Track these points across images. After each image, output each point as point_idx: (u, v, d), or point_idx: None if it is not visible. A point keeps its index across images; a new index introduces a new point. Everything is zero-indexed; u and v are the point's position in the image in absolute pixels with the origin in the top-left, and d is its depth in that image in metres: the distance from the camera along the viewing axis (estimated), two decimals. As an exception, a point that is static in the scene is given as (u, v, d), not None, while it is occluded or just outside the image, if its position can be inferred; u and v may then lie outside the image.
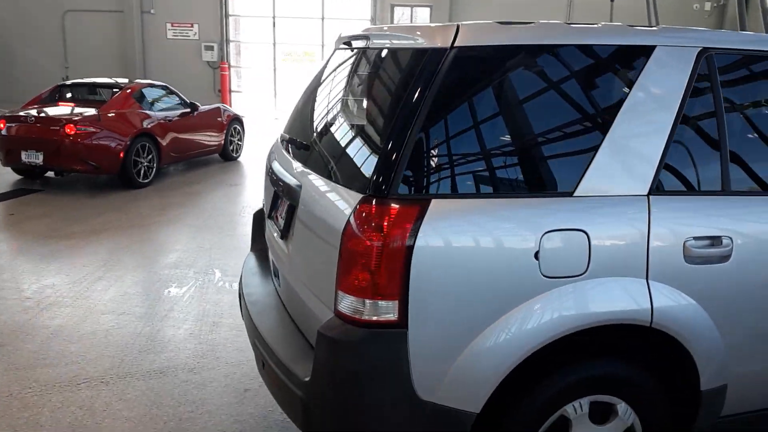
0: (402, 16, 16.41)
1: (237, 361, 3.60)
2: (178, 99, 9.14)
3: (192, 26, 16.98)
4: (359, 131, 2.18)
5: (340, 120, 2.37)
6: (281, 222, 2.55)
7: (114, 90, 8.49)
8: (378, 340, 1.87)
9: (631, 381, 2.12)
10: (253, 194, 8.09)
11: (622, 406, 2.13)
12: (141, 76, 15.82)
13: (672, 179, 2.11)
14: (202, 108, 9.46)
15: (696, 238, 2.09)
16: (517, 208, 1.94)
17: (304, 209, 2.24)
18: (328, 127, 2.43)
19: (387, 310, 1.86)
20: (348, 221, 1.89)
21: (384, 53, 2.29)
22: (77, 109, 7.97)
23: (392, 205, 1.85)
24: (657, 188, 2.08)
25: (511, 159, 1.97)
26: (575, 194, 1.99)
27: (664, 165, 2.08)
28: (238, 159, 10.48)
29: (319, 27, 16.88)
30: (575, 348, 2.06)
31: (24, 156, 7.62)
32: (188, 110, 9.05)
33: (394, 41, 2.22)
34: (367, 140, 2.06)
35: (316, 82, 2.87)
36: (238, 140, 10.41)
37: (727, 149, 2.18)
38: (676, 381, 2.24)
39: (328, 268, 1.99)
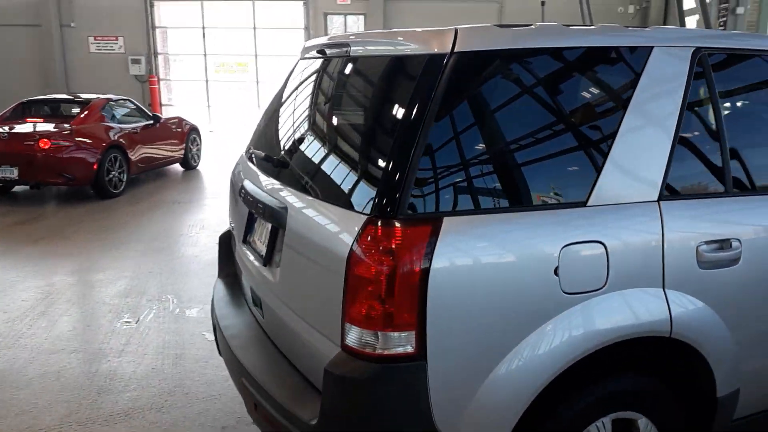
0: (336, 24, 16.27)
1: (208, 396, 3.35)
2: (140, 111, 9.56)
3: (116, 39, 16.30)
4: (353, 146, 2.01)
5: (327, 134, 2.20)
6: (261, 247, 2.35)
7: (77, 105, 8.85)
8: (394, 376, 1.71)
9: (650, 394, 2.04)
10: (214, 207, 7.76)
11: (642, 421, 2.05)
12: (64, 92, 15.03)
13: (678, 183, 2.06)
14: (164, 119, 9.95)
15: (707, 243, 2.04)
16: (534, 221, 1.82)
17: (294, 233, 2.05)
18: (312, 142, 2.25)
19: (403, 342, 1.70)
20: (353, 246, 1.73)
21: (369, 61, 2.14)
22: (47, 125, 8.26)
23: (402, 225, 1.69)
24: (666, 193, 2.01)
25: (523, 169, 1.85)
26: (588, 204, 1.90)
27: (670, 169, 2.02)
28: (197, 168, 10.89)
29: (251, 36, 16.53)
30: (594, 365, 1.96)
31: None
32: (151, 122, 9.45)
33: (381, 47, 2.07)
34: (365, 156, 1.90)
35: (285, 94, 2.69)
36: (197, 150, 10.80)
37: (727, 149, 2.14)
38: (691, 389, 2.18)
39: (329, 297, 1.81)
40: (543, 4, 11.32)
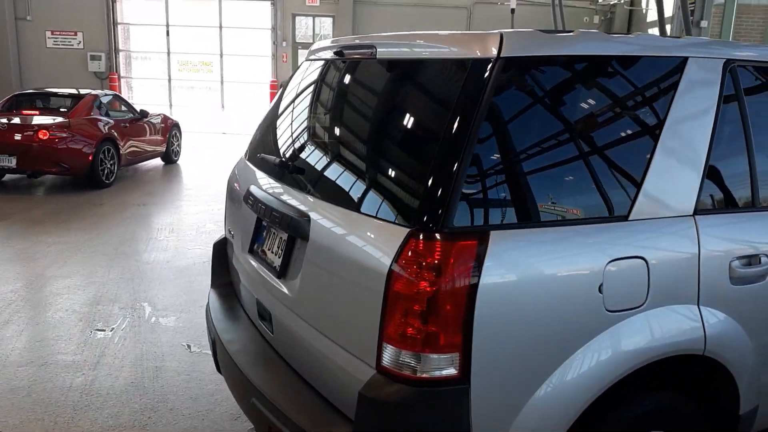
0: (303, 26, 16.09)
1: (194, 412, 3.16)
2: (127, 106, 10.05)
3: (76, 34, 15.74)
4: (390, 154, 1.88)
5: (358, 141, 2.04)
6: (273, 258, 2.20)
7: (69, 99, 9.30)
8: (437, 401, 1.59)
9: (679, 412, 1.98)
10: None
11: (670, 441, 1.99)
12: (18, 88, 14.40)
13: (711, 197, 2.01)
14: (150, 114, 10.41)
15: (738, 258, 1.99)
16: (580, 236, 1.74)
17: (319, 246, 1.91)
18: (340, 149, 2.09)
19: (447, 364, 1.58)
20: (393, 261, 1.60)
21: (400, 64, 2.00)
22: (43, 117, 8.72)
23: (447, 239, 1.58)
24: (700, 207, 1.96)
25: (569, 181, 1.76)
26: (630, 218, 1.82)
27: (704, 182, 1.97)
28: (177, 162, 11.35)
29: (217, 36, 16.18)
30: (628, 384, 1.88)
31: None
32: (139, 117, 9.96)
33: (413, 50, 1.95)
34: (405, 165, 1.77)
35: (295, 97, 2.54)
36: (178, 145, 11.31)
37: (755, 164, 2.11)
38: (714, 407, 2.13)
39: (363, 315, 1.69)
40: (513, 11, 11.43)
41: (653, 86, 1.94)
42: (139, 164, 10.59)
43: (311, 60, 2.57)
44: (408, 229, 1.61)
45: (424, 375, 1.59)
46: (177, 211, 7.76)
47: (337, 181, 1.98)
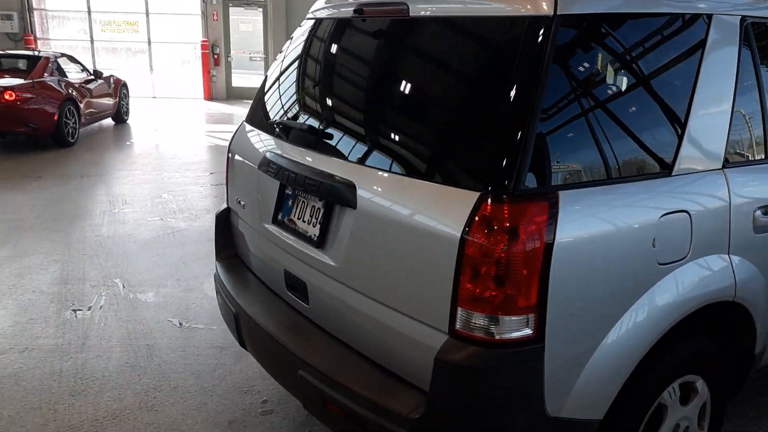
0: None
1: (200, 389, 3.09)
2: (81, 67, 10.32)
3: (-18, -8, 14.47)
4: (447, 117, 1.82)
5: (403, 105, 1.96)
6: (307, 227, 2.13)
7: (25, 60, 9.51)
8: (516, 361, 1.62)
9: (709, 356, 2.10)
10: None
11: (700, 383, 2.11)
12: None
13: (735, 151, 2.10)
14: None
15: (760, 207, 2.10)
16: (638, 192, 1.79)
17: (371, 213, 1.86)
18: (383, 113, 2.02)
19: (524, 325, 1.60)
20: (467, 226, 1.59)
21: (438, 22, 1.93)
22: (4, 79, 8.84)
23: (521, 201, 1.58)
24: (727, 161, 2.04)
25: (627, 139, 1.79)
26: (673, 173, 1.88)
27: (729, 137, 2.05)
28: (127, 122, 11.73)
29: (142, -7, 15.28)
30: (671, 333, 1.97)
31: None
32: (93, 77, 10.33)
33: (451, 6, 1.89)
34: (468, 128, 1.74)
35: (309, 58, 2.44)
36: (126, 104, 11.67)
37: None
38: (734, 348, 2.26)
39: (432, 282, 1.68)
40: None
41: (689, 43, 1.97)
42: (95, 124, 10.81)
43: (317, 18, 2.46)
44: (478, 193, 1.60)
45: (503, 337, 1.60)
46: (126, 179, 7.42)
47: (386, 147, 1.93)
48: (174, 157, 8.86)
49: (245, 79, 15.70)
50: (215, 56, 15.39)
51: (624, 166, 1.79)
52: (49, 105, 8.80)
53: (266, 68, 15.62)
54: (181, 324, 3.76)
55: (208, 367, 3.29)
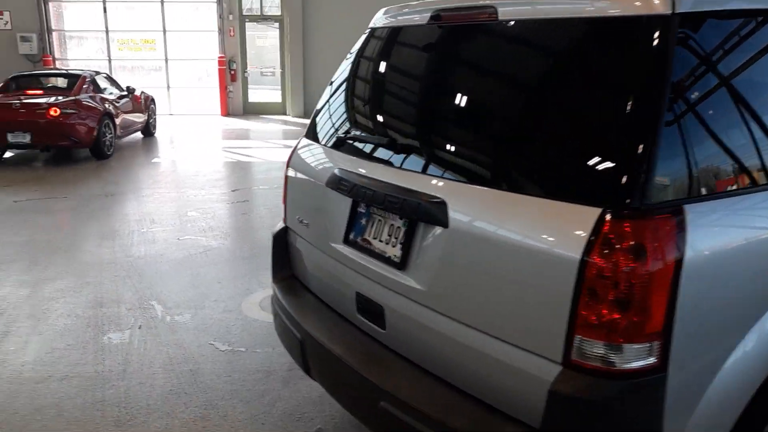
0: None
1: (250, 417, 2.92)
2: (115, 84, 10.96)
3: (2, 14, 14.57)
4: (554, 129, 1.65)
5: (501, 116, 1.81)
6: (386, 248, 1.97)
7: (65, 78, 10.14)
8: (638, 393, 1.45)
9: None
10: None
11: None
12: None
13: None
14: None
15: None
16: (760, 203, 1.62)
17: (466, 233, 1.70)
18: (476, 126, 1.85)
19: (648, 353, 1.44)
20: (587, 246, 1.43)
21: (532, 26, 1.78)
22: (48, 96, 9.49)
23: (647, 218, 1.42)
24: None
25: (752, 146, 1.63)
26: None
27: None
28: (155, 135, 12.44)
29: (159, 11, 15.33)
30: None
31: (10, 137, 9.02)
32: (126, 93, 10.92)
33: (545, 8, 1.74)
34: (582, 140, 1.57)
35: (378, 71, 2.29)
36: (155, 119, 12.45)
37: None
38: None
39: (543, 307, 1.52)
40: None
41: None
42: (128, 137, 11.44)
43: (384, 27, 2.32)
44: (599, 209, 1.44)
45: (624, 366, 1.43)
46: (151, 197, 7.31)
47: (481, 161, 1.77)
48: (197, 174, 8.76)
49: (262, 93, 15.68)
50: (232, 72, 15.38)
51: (753, 175, 1.62)
52: (90, 120, 9.38)
53: (283, 83, 15.58)
54: (224, 347, 3.61)
55: (256, 393, 3.13)
